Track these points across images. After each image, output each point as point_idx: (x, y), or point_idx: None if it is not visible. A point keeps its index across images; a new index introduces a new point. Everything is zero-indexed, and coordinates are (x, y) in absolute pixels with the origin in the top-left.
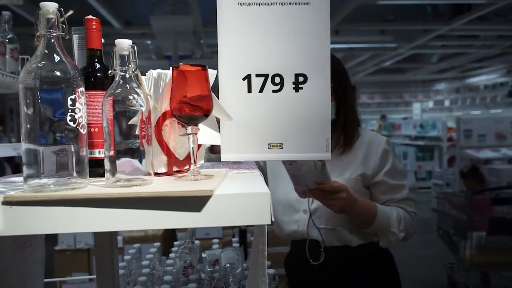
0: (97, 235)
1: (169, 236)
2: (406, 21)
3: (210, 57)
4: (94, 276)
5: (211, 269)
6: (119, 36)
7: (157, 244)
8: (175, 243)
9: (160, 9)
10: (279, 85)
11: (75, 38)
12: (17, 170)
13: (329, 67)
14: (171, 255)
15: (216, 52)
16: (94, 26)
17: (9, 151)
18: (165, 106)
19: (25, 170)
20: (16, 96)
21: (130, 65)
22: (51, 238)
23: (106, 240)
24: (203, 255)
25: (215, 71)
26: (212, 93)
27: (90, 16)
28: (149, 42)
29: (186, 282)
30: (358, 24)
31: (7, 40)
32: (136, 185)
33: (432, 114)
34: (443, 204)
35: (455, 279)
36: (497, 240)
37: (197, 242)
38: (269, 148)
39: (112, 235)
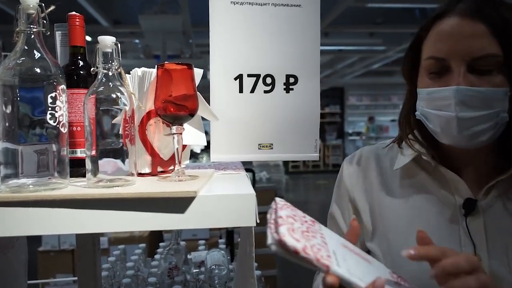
0: (79, 237)
1: (155, 237)
2: (395, 24)
3: (199, 57)
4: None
5: (197, 270)
6: (107, 35)
7: (142, 245)
8: (161, 244)
9: (150, 8)
10: (271, 86)
11: (58, 34)
12: None
13: (319, 69)
14: (156, 256)
15: (206, 52)
16: (77, 23)
17: None
18: (150, 105)
19: (2, 170)
20: None
21: (113, 63)
22: (35, 239)
23: (88, 242)
24: (189, 256)
25: (201, 70)
26: (198, 93)
27: (74, 13)
28: (137, 41)
29: (171, 284)
30: (347, 26)
31: None
32: (118, 186)
33: None
34: None
35: None
36: None
37: (182, 243)
38: (259, 149)
39: (94, 236)
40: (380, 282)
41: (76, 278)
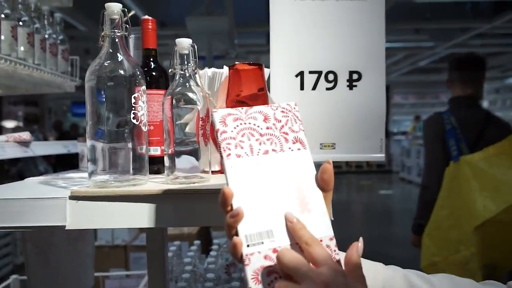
0: (149, 233)
1: (204, 235)
2: (444, 19)
3: (244, 58)
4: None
5: None
6: (174, 47)
7: (197, 242)
8: (215, 241)
9: (196, 10)
10: (333, 83)
11: (131, 38)
12: (55, 168)
13: (384, 64)
14: (212, 253)
15: (250, 52)
16: (150, 26)
17: (59, 148)
18: (220, 104)
19: (90, 166)
20: (56, 96)
21: (189, 64)
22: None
23: (158, 236)
24: None
25: (269, 69)
26: (268, 93)
27: (147, 17)
28: None
29: (228, 280)
30: (395, 23)
31: (58, 41)
32: (194, 182)
33: None
34: None
35: None
36: None
37: None
38: (320, 148)
39: (164, 230)
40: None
41: (131, 272)
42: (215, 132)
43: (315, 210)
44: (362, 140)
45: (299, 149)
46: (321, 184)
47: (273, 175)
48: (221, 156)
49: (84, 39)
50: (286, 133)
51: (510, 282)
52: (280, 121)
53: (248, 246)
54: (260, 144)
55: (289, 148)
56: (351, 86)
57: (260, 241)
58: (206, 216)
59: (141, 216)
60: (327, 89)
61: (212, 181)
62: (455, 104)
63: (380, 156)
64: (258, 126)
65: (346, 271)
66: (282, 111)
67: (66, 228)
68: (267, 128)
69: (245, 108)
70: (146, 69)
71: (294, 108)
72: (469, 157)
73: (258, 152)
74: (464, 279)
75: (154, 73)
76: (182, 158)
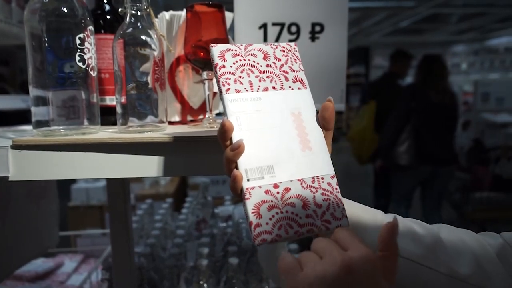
0: (110, 189)
1: (180, 194)
2: None
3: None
4: (107, 231)
5: (224, 224)
6: None
7: (169, 199)
8: (187, 199)
9: None
10: (296, 35)
11: None
12: None
13: (347, 16)
14: (184, 210)
15: (229, 2)
16: None
17: (17, 102)
18: (179, 50)
19: (34, 116)
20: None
21: (142, 3)
22: (64, 195)
23: (119, 193)
24: (216, 211)
25: (232, 14)
26: (230, 38)
27: None
28: None
29: (198, 236)
30: None
31: None
32: (149, 131)
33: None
34: None
35: None
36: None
37: (209, 198)
38: None
39: (125, 188)
40: None
41: (105, 230)
42: (214, 67)
43: (317, 148)
44: (324, 91)
45: (299, 88)
46: (322, 122)
47: (273, 112)
48: (220, 91)
49: None
50: (286, 72)
51: (503, 233)
52: (280, 60)
53: (248, 180)
54: (260, 81)
55: (289, 87)
56: (313, 38)
57: (261, 176)
58: (159, 167)
59: (90, 167)
60: (290, 41)
61: (168, 130)
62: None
63: (340, 106)
64: (258, 63)
65: (377, 262)
66: (282, 50)
67: (10, 179)
68: (267, 65)
69: (244, 44)
70: (99, 12)
71: (294, 49)
72: None
73: (258, 89)
74: (462, 229)
75: (108, 17)
76: (136, 106)
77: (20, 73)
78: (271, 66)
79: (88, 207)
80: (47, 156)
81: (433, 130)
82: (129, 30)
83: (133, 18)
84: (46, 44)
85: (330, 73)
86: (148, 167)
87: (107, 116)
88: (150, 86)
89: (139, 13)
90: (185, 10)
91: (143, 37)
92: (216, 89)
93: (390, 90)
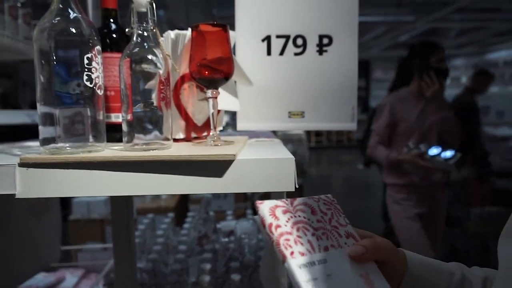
0: (113, 203)
1: (181, 208)
2: None
3: None
4: (109, 245)
5: (226, 239)
6: (130, 4)
7: (171, 214)
8: (189, 213)
9: None
10: (302, 48)
11: None
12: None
13: (357, 27)
14: (186, 225)
15: (230, 24)
16: None
17: (23, 118)
18: (184, 69)
19: (41, 133)
20: (30, 68)
21: (148, 23)
22: (65, 208)
23: (122, 208)
24: (218, 226)
25: (235, 33)
26: (234, 56)
27: None
28: (161, 13)
29: (200, 252)
30: None
31: (19, 5)
32: (154, 149)
33: (448, 91)
34: None
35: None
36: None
37: (211, 213)
38: (289, 117)
39: (128, 203)
40: None
41: (106, 245)
42: (267, 228)
43: None
44: (333, 108)
45: (354, 244)
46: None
47: (344, 276)
48: (282, 255)
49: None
50: (336, 227)
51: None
52: (326, 214)
53: None
54: (317, 239)
55: (345, 243)
56: (321, 51)
57: None
58: (165, 184)
59: (96, 185)
60: (296, 54)
61: (174, 148)
62: None
63: (351, 125)
64: (309, 220)
65: None
66: (325, 203)
67: (17, 196)
68: (318, 221)
69: (288, 199)
70: (105, 30)
71: (334, 201)
72: None
73: (320, 249)
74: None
75: (114, 35)
76: (142, 124)
77: (23, 86)
78: (321, 221)
79: (88, 221)
80: (53, 173)
81: None
82: (136, 49)
83: (139, 38)
84: (55, 63)
85: (340, 89)
86: (153, 184)
87: (112, 133)
88: (155, 104)
89: (145, 33)
90: (190, 30)
91: (149, 57)
92: (220, 107)
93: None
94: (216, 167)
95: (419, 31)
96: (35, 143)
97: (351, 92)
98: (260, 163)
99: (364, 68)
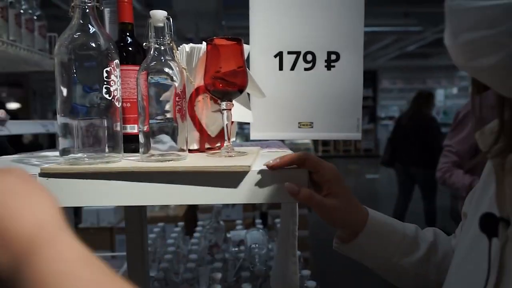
0: (127, 212)
1: (190, 217)
2: (433, 2)
3: None
4: (118, 254)
5: (236, 249)
6: (139, 17)
7: (181, 223)
8: (199, 223)
9: None
10: (311, 63)
11: (107, 11)
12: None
13: (362, 45)
14: (196, 234)
15: (239, 34)
16: (126, 0)
17: (37, 127)
18: (198, 81)
19: (61, 144)
20: (40, 77)
21: (165, 38)
22: (75, 216)
23: (136, 217)
24: (228, 235)
25: (249, 46)
26: (247, 69)
27: None
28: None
29: (211, 261)
30: (381, 6)
31: (35, 17)
32: (171, 160)
33: (456, 101)
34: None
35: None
36: None
37: (221, 222)
38: (299, 127)
39: (142, 211)
40: None
41: (116, 253)
42: None
43: None
44: (340, 119)
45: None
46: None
47: None
48: None
49: (66, 19)
50: None
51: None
52: None
53: None
54: None
55: None
56: (329, 67)
57: None
58: (181, 195)
59: (114, 195)
60: (306, 69)
61: (189, 159)
62: None
63: (356, 135)
64: None
65: None
66: None
67: None
68: None
69: None
70: (122, 44)
71: None
72: None
73: None
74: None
75: (130, 48)
76: (158, 135)
77: (33, 95)
78: None
79: (98, 229)
80: (72, 183)
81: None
82: (153, 63)
83: (156, 52)
84: (75, 76)
85: (346, 101)
86: (169, 194)
87: (128, 144)
88: (171, 116)
89: (162, 48)
90: (204, 43)
91: (166, 70)
92: (233, 119)
93: None
94: (231, 178)
95: (427, 41)
96: (51, 153)
97: (356, 104)
98: (274, 174)
99: (372, 78)
